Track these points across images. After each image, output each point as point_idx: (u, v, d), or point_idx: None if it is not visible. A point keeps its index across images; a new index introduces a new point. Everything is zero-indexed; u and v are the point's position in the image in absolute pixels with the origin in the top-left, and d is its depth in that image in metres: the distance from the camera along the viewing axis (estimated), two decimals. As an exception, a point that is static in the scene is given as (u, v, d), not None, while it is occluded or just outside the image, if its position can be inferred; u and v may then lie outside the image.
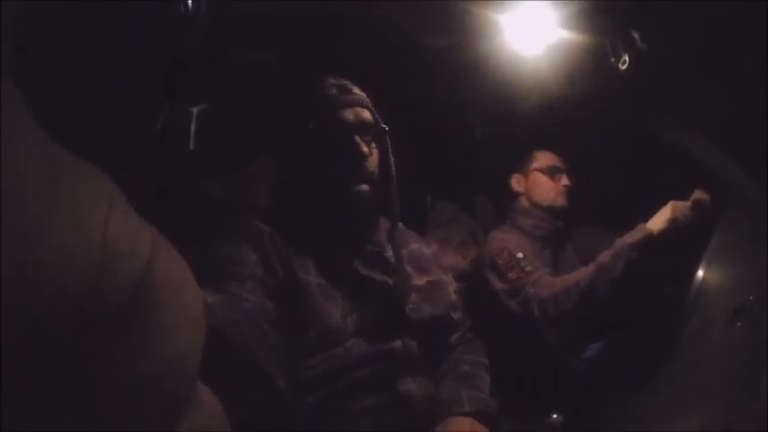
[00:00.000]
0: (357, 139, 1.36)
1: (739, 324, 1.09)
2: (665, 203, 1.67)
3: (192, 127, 1.67)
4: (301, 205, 1.42)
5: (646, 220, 1.71)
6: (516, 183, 2.20)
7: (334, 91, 1.40)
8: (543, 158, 2.17)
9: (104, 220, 0.51)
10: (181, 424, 0.60)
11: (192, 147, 1.68)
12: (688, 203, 1.65)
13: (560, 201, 2.12)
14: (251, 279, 1.23)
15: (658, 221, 1.67)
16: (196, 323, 0.60)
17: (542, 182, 2.14)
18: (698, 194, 1.64)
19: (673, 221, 1.64)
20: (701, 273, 1.31)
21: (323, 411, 1.24)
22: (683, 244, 1.58)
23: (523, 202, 2.17)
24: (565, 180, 2.13)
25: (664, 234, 1.65)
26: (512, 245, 1.96)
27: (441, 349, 1.50)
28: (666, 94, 1.43)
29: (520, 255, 1.91)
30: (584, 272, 1.75)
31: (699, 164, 1.48)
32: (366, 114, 1.41)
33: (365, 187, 1.37)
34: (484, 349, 1.61)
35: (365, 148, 1.37)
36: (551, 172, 2.14)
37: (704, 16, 1.12)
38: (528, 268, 1.87)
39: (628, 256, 1.66)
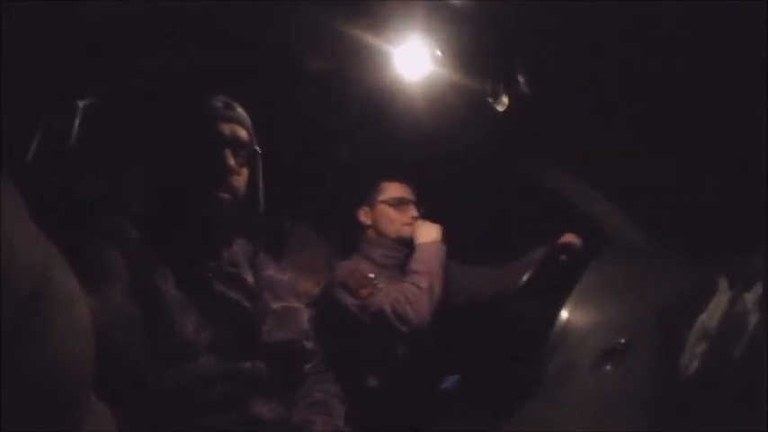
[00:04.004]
0: (227, 152, 1.39)
1: (608, 367, 1.13)
2: (536, 241, 1.73)
3: (73, 126, 1.60)
4: (166, 211, 1.41)
5: (515, 256, 1.77)
6: (364, 216, 2.19)
7: (219, 104, 1.43)
8: (390, 190, 2.18)
9: (2, 227, 0.52)
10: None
11: (71, 145, 1.60)
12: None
13: (407, 231, 2.13)
14: (119, 282, 1.22)
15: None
16: (84, 335, 0.62)
17: (388, 214, 2.14)
18: (568, 237, 1.71)
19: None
20: (565, 313, 1.36)
21: (181, 426, 1.23)
22: (547, 285, 1.64)
23: (371, 233, 2.17)
24: (413, 211, 2.15)
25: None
26: (362, 269, 1.97)
27: (293, 376, 1.52)
28: (546, 137, 1.49)
29: (371, 275, 1.92)
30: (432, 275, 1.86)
31: (573, 206, 1.55)
32: (243, 133, 1.44)
33: (226, 196, 1.38)
34: (337, 380, 1.60)
35: (233, 162, 1.39)
36: (397, 203, 2.15)
37: (595, 61, 1.17)
38: (380, 285, 1.89)
39: None
